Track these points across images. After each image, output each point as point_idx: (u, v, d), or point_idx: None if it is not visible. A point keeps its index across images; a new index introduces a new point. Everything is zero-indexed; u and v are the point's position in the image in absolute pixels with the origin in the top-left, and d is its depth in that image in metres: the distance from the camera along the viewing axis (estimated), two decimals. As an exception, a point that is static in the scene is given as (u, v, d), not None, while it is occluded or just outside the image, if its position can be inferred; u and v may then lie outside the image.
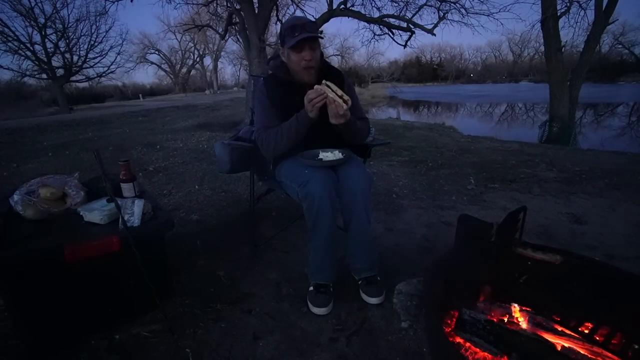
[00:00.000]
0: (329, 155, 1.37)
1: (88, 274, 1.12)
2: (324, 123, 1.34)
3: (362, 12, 7.97)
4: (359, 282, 1.41)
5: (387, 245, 1.79)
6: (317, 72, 1.42)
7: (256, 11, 6.88)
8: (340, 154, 1.38)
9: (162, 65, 38.11)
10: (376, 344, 1.14)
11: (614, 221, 2.05)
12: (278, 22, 10.46)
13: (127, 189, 1.35)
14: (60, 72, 19.33)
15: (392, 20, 8.17)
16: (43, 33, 17.72)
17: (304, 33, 1.31)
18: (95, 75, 21.69)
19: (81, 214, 1.24)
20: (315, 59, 1.38)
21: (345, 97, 1.23)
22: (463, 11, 7.83)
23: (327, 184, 1.28)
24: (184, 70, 39.39)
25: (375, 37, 8.97)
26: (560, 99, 6.52)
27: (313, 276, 1.38)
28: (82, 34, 19.34)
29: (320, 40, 1.41)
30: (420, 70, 55.43)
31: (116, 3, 7.65)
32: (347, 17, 7.82)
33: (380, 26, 8.42)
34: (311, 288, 1.37)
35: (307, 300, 1.35)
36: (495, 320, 0.98)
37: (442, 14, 7.94)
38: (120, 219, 1.09)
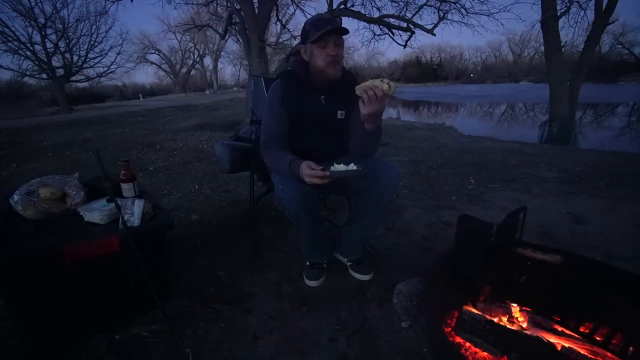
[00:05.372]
0: (340, 167, 1.20)
1: (88, 274, 1.12)
2: (329, 135, 1.37)
3: (362, 12, 7.98)
4: (349, 264, 1.55)
5: (387, 245, 1.79)
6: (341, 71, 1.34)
7: (256, 11, 6.89)
8: (354, 166, 1.20)
9: (162, 65, 38.17)
10: (376, 344, 1.14)
11: (614, 221, 2.05)
12: (278, 22, 10.48)
13: (127, 189, 1.35)
14: (60, 72, 19.36)
15: (392, 20, 8.17)
16: (43, 33, 17.74)
17: (329, 26, 1.23)
18: (95, 75, 21.80)
19: (81, 214, 1.23)
20: (340, 56, 1.30)
21: (391, 83, 1.08)
22: (463, 11, 7.86)
23: (300, 192, 1.24)
24: (184, 70, 39.40)
25: (375, 37, 8.99)
26: (560, 99, 6.54)
27: (306, 257, 1.53)
28: (82, 34, 19.47)
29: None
30: (420, 71, 55.37)
31: (116, 3, 7.68)
32: (347, 17, 7.83)
33: (380, 26, 8.43)
34: (307, 263, 1.53)
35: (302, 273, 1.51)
36: (495, 320, 0.98)
37: (442, 14, 7.95)
38: (120, 219, 1.08)
